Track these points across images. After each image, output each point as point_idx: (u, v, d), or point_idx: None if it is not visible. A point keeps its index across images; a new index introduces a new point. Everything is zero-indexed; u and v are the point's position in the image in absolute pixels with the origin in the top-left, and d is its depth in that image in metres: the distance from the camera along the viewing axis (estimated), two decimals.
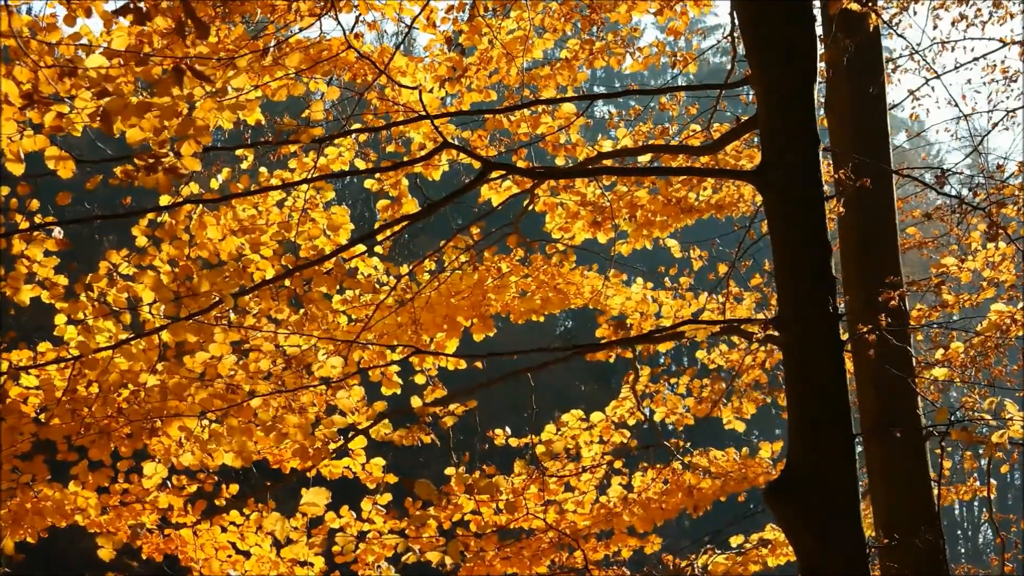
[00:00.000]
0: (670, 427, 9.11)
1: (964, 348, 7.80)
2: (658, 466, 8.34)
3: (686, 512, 8.33)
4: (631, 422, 8.37)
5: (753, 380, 9.10)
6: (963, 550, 45.03)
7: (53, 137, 4.68)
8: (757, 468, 8.48)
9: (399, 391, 7.01)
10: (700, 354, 9.17)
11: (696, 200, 8.46)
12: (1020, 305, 7.44)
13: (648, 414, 8.57)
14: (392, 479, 7.18)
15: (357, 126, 7.02)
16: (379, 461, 7.12)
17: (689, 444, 8.53)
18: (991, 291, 8.32)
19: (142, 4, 3.83)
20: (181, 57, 4.48)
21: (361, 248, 7.01)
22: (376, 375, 6.97)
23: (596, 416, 8.17)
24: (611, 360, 8.67)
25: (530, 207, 8.30)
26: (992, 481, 7.27)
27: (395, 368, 6.95)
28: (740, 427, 8.97)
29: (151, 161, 4.53)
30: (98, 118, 4.40)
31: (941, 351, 7.74)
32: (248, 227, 6.61)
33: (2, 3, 4.15)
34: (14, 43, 4.18)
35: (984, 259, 8.37)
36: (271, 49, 5.61)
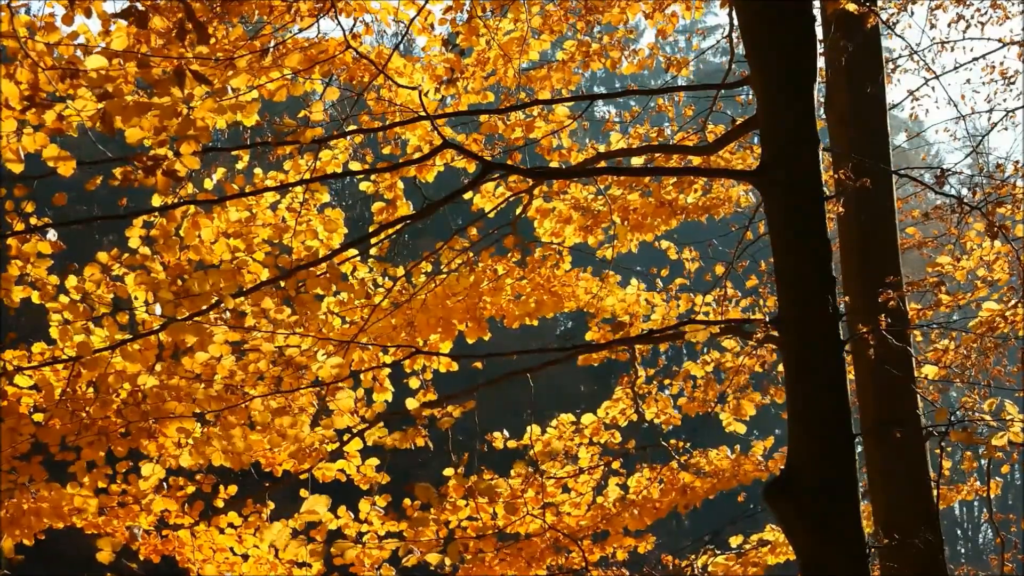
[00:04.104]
0: (664, 427, 9.08)
1: (954, 347, 7.79)
2: (656, 466, 8.32)
3: (686, 512, 8.32)
4: (623, 423, 8.35)
5: (745, 382, 9.05)
6: (963, 550, 45.00)
7: (53, 136, 4.67)
8: (749, 465, 8.46)
9: (390, 398, 6.94)
10: (688, 364, 9.03)
11: (686, 201, 8.46)
12: (1012, 303, 7.43)
13: (643, 414, 8.54)
14: (384, 478, 7.16)
15: (354, 127, 7.00)
16: (372, 461, 7.09)
17: (690, 445, 8.51)
18: (984, 290, 8.31)
19: (140, 3, 3.82)
20: (179, 58, 4.47)
21: (353, 252, 7.00)
22: (368, 379, 6.88)
23: (587, 418, 8.16)
24: (596, 363, 8.60)
25: (525, 211, 8.27)
26: (994, 480, 7.26)
27: (386, 372, 6.91)
28: (741, 429, 8.93)
29: (150, 163, 4.52)
30: (99, 120, 4.40)
31: (932, 351, 7.73)
32: (242, 230, 6.59)
33: (2, 3, 4.14)
34: (14, 44, 4.17)
35: (978, 258, 8.37)
36: (271, 49, 5.60)
